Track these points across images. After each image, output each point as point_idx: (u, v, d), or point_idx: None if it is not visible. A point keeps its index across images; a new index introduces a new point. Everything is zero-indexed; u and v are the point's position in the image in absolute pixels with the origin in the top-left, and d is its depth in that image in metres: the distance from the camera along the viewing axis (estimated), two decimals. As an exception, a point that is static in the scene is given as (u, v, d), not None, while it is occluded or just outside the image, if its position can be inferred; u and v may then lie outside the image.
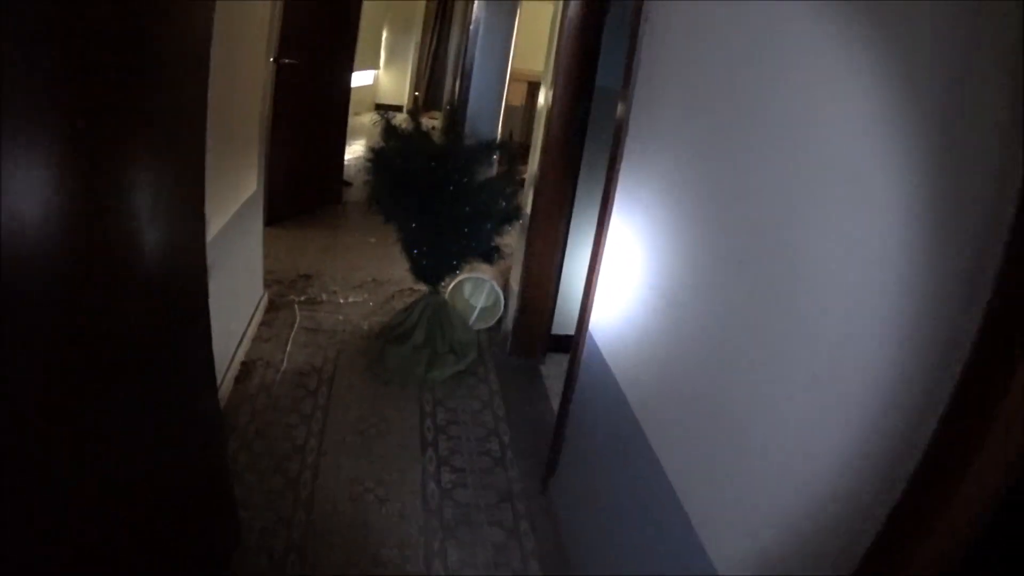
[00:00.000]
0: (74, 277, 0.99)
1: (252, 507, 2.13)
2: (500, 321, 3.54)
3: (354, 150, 6.96)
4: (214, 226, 2.38)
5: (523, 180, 3.01)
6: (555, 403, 2.95)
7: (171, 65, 1.26)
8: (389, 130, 2.81)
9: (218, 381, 2.58)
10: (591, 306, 2.03)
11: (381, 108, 11.23)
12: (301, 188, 4.92)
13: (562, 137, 2.93)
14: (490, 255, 2.90)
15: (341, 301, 3.65)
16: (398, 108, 10.85)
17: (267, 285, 3.62)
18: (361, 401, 2.78)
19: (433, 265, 2.85)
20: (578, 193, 3.02)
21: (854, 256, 0.87)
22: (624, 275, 1.77)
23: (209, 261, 2.28)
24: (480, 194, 2.75)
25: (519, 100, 8.35)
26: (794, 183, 1.01)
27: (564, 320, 3.28)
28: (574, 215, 3.06)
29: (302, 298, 3.59)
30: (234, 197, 2.64)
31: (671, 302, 1.43)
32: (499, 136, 5.88)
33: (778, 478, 0.98)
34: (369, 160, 2.80)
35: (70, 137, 0.92)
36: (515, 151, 3.01)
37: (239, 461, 2.34)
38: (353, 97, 5.45)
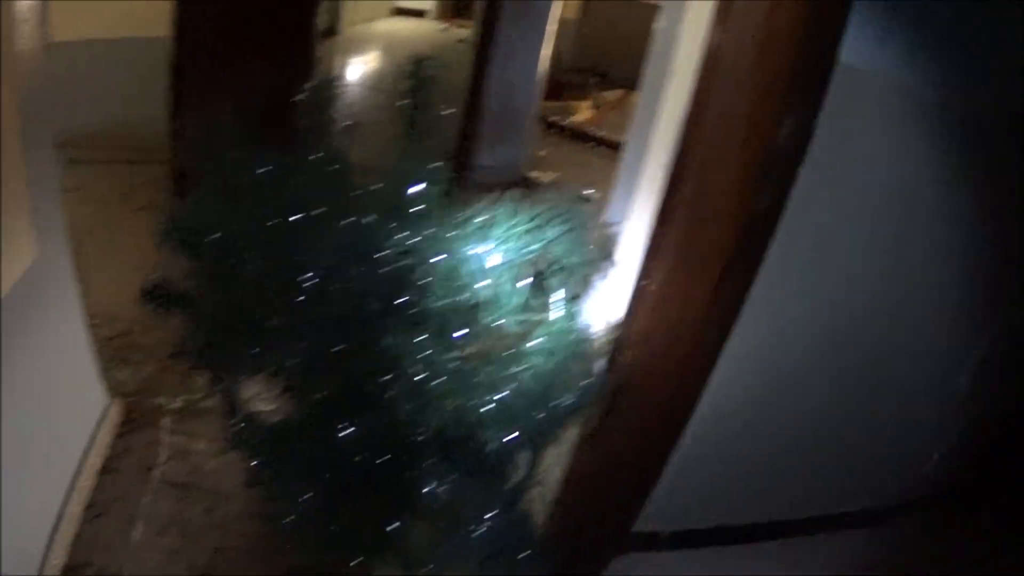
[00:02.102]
0: None
1: None
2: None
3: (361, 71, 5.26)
4: None
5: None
6: None
7: None
8: (215, 181, 0.97)
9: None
10: None
11: (402, 13, 9.08)
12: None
13: (743, 180, 1.00)
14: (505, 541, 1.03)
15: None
16: (418, 14, 8.92)
17: (134, 364, 1.99)
18: None
19: (327, 532, 1.06)
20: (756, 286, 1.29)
21: None
22: None
23: None
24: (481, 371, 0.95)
25: (573, 12, 6.35)
26: None
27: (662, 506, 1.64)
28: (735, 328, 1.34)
29: (178, 399, 1.93)
30: None
31: None
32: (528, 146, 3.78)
33: None
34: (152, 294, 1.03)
35: None
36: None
37: None
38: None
